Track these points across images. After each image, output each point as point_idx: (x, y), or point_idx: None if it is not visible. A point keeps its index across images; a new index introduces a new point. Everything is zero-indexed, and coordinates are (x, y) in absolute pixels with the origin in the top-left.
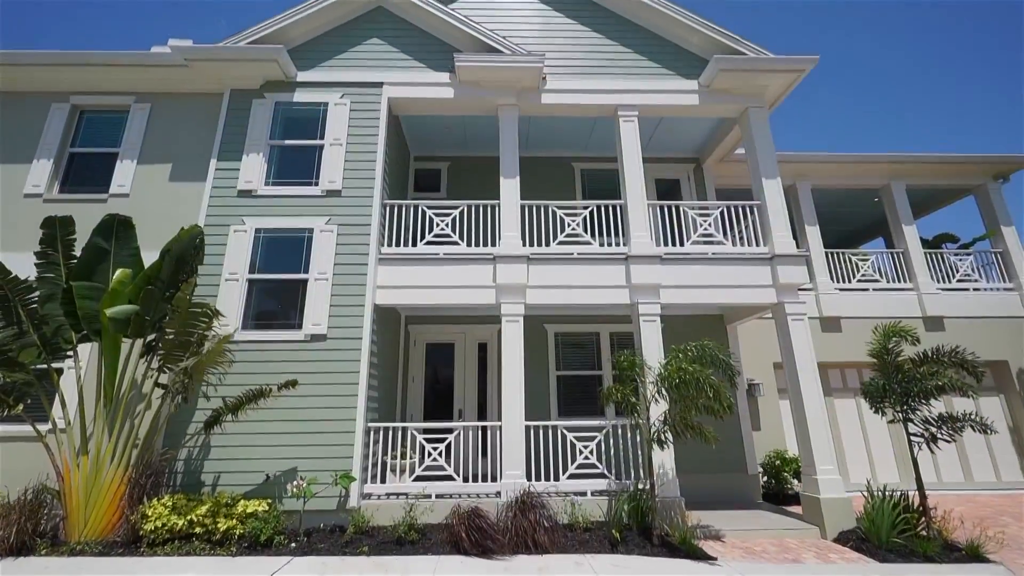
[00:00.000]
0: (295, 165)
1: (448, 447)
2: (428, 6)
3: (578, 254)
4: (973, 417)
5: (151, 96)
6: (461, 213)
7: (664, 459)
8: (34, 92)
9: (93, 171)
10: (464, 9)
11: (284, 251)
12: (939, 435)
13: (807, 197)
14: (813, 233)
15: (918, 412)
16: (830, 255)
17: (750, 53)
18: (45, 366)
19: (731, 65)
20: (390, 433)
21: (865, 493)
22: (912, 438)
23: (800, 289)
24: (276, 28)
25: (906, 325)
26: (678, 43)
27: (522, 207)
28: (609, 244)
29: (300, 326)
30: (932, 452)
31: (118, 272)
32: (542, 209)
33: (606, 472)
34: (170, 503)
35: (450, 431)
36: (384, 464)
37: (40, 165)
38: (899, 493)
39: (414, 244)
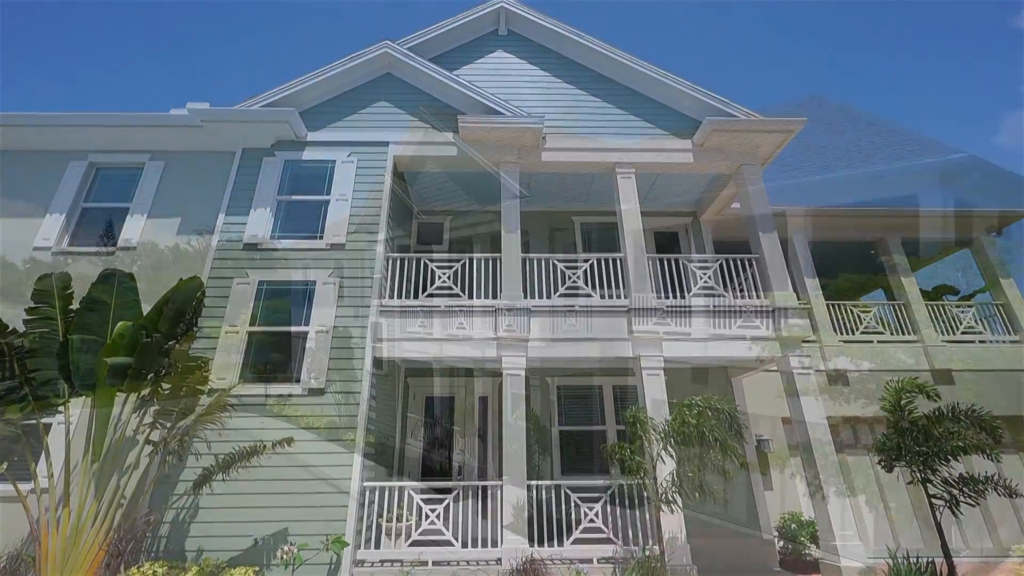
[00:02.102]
0: (301, 219)
1: (446, 508)
2: (434, 73)
3: (579, 306)
4: (996, 479)
5: (166, 154)
6: (463, 266)
7: (674, 522)
8: (52, 150)
9: (103, 225)
10: (469, 75)
11: (286, 304)
12: (961, 498)
13: (804, 250)
14: (813, 285)
15: (938, 473)
16: (831, 307)
17: (739, 115)
18: (34, 421)
19: (722, 126)
20: (386, 493)
21: (889, 561)
22: (933, 501)
23: (804, 342)
24: (289, 92)
25: (923, 380)
26: (671, 105)
27: (523, 260)
28: (610, 296)
29: (298, 379)
30: (956, 517)
31: (119, 325)
32: (543, 262)
33: (612, 536)
34: (150, 571)
35: (449, 491)
36: (379, 527)
37: (52, 219)
38: (925, 561)
39: (415, 296)
